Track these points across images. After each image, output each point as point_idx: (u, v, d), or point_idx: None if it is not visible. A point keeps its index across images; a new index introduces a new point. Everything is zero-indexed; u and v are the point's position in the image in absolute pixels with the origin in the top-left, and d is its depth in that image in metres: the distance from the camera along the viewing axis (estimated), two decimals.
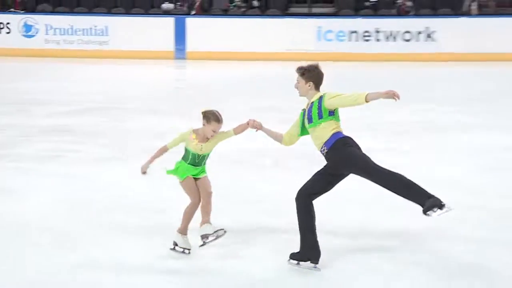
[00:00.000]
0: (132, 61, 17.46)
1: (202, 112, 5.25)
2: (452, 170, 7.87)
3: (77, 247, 5.47)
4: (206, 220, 5.21)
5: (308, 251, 4.99)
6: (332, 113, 5.08)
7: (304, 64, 5.26)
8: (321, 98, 5.12)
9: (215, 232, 5.13)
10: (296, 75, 5.24)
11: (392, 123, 10.64)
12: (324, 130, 5.08)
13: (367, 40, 18.29)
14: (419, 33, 18.09)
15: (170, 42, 18.38)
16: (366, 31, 18.24)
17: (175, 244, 5.33)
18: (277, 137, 5.45)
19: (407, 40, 18.13)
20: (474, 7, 18.42)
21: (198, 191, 5.26)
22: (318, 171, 5.13)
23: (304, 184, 5.08)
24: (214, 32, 18.25)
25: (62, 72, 16.26)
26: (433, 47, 18.02)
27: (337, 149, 5.01)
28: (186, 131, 5.22)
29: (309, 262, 4.97)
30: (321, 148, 5.09)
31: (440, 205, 4.68)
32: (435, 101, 12.53)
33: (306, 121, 5.23)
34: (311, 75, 5.17)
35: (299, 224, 5.03)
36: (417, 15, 18.70)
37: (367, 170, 4.94)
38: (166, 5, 19.13)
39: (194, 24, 18.50)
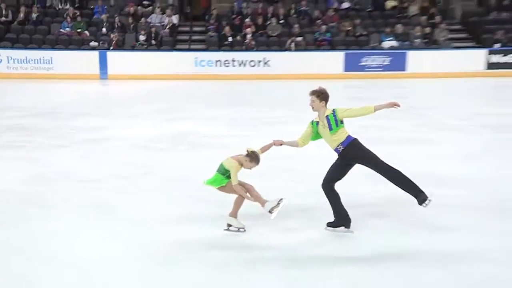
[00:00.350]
0: (69, 81, 17.02)
1: (249, 151, 4.69)
2: None
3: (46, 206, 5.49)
4: (263, 200, 4.65)
5: (341, 219, 4.73)
6: (342, 122, 4.79)
7: (316, 88, 4.92)
8: (334, 111, 4.81)
9: (277, 203, 4.60)
10: (311, 97, 4.87)
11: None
12: (341, 134, 4.77)
13: (227, 66, 18.42)
14: (259, 61, 18.38)
15: (96, 68, 18.01)
16: (226, 60, 18.39)
17: (229, 225, 4.74)
18: (294, 144, 5.02)
19: (252, 66, 18.43)
20: (292, 45, 18.87)
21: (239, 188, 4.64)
22: (333, 164, 4.83)
23: (325, 175, 4.80)
24: (126, 61, 18.14)
25: (19, 89, 15.80)
26: (268, 70, 18.34)
27: (353, 147, 4.74)
28: (235, 165, 4.61)
29: (343, 227, 4.74)
30: (338, 146, 4.76)
31: (427, 198, 4.51)
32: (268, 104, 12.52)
33: (324, 129, 4.81)
34: (324, 96, 4.86)
35: (330, 202, 4.76)
36: (258, 50, 18.95)
37: (376, 164, 4.70)
38: (93, 43, 18.79)
39: (113, 56, 18.22)
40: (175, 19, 20.05)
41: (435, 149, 7.83)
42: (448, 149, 7.81)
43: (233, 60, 18.37)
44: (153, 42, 18.85)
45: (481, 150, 7.73)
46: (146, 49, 18.69)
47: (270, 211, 4.58)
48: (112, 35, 18.58)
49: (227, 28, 19.14)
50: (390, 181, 4.69)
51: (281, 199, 4.63)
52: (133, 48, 18.79)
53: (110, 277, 3.95)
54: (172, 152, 7.89)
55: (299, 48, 18.85)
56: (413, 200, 4.57)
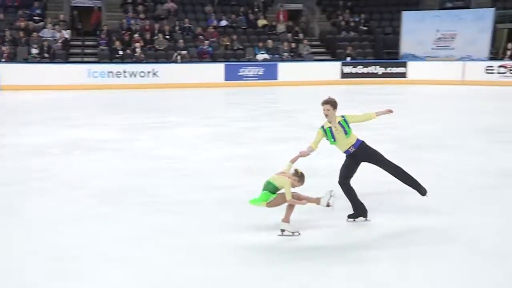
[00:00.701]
0: None
1: (299, 172, 4.54)
2: None
3: None
4: (315, 199, 4.51)
5: (360, 211, 4.74)
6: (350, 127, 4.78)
7: (327, 98, 4.88)
8: (344, 118, 4.82)
9: (330, 195, 4.50)
10: (325, 106, 4.82)
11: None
12: (352, 138, 4.77)
13: (118, 77, 17.81)
14: (149, 72, 17.98)
15: None
16: (118, 71, 17.78)
17: (283, 230, 4.40)
18: (310, 150, 4.88)
19: (142, 77, 17.94)
20: (178, 57, 18.70)
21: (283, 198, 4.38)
22: (344, 164, 4.81)
23: (340, 174, 4.78)
24: (19, 72, 16.80)
25: None
26: (157, 80, 17.98)
27: (363, 148, 4.76)
28: (288, 181, 4.40)
29: (361, 217, 4.74)
30: (349, 148, 4.75)
31: (426, 190, 4.72)
32: (157, 111, 12.39)
33: (339, 134, 4.77)
34: (336, 105, 4.84)
35: (348, 197, 4.75)
36: (147, 62, 18.52)
37: (382, 162, 4.75)
38: None
39: (5, 67, 16.83)
40: (66, 34, 18.93)
41: (302, 146, 8.13)
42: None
43: (124, 71, 17.80)
44: (46, 55, 17.65)
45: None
46: (39, 62, 17.44)
47: (328, 205, 4.47)
48: (3, 48, 17.09)
49: (117, 43, 18.49)
50: (394, 176, 4.79)
51: (330, 190, 4.54)
52: (26, 61, 17.44)
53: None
54: (67, 157, 7.44)
55: (184, 60, 18.70)
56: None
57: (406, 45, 20.77)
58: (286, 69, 19.22)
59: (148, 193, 5.60)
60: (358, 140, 4.82)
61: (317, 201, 4.52)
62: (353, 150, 4.77)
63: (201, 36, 20.01)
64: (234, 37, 20.35)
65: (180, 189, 5.76)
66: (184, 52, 18.93)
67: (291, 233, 4.40)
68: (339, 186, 4.76)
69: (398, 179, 4.79)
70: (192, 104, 14.15)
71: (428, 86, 18.16)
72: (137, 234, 4.44)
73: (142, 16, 20.34)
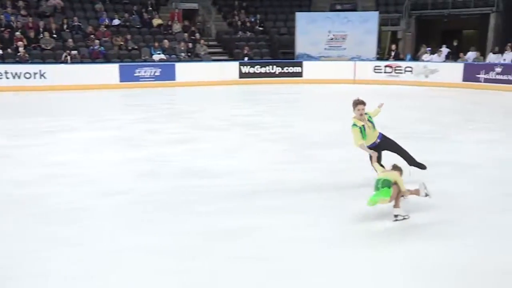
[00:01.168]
0: None
1: (396, 166, 5.05)
2: None
3: None
4: (414, 191, 5.01)
5: (416, 164, 5.79)
6: None
7: (361, 99, 5.54)
8: (368, 115, 5.59)
9: (424, 188, 5.05)
10: (362, 106, 5.48)
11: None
12: (376, 131, 5.64)
13: (0, 78, 16.55)
14: (35, 73, 16.96)
15: None
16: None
17: (396, 216, 4.83)
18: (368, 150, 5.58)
19: (28, 78, 16.87)
20: (68, 58, 17.84)
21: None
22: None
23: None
24: None
25: None
26: (45, 82, 17.00)
27: (385, 139, 5.68)
28: (399, 175, 4.92)
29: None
30: (375, 140, 5.60)
31: (425, 165, 5.79)
32: (48, 114, 11.94)
33: (370, 129, 5.54)
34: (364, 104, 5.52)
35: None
36: (33, 62, 17.46)
37: (398, 148, 5.72)
38: None
39: None
40: None
41: (202, 147, 8.26)
42: (212, 146, 8.30)
43: (6, 72, 16.58)
44: None
45: (238, 145, 8.39)
46: None
47: (426, 195, 5.02)
48: None
49: None
50: (403, 158, 5.76)
51: (422, 182, 5.08)
52: None
53: None
54: None
55: (75, 60, 17.89)
56: None
57: (301, 45, 21.72)
58: (184, 70, 19.18)
59: (40, 203, 5.38)
60: (380, 133, 5.69)
61: (416, 192, 5.06)
62: (378, 141, 5.62)
63: (92, 36, 19.28)
64: (128, 36, 19.87)
65: (75, 196, 5.61)
66: (74, 52, 18.10)
67: (402, 217, 4.84)
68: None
69: (405, 159, 5.75)
70: (85, 106, 13.65)
71: (323, 85, 19.17)
72: (31, 248, 4.27)
73: (23, 12, 19.10)
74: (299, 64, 20.79)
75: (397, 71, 19.72)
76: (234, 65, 20.17)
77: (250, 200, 5.55)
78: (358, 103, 5.50)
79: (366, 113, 5.55)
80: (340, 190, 5.91)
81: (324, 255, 4.18)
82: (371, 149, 5.61)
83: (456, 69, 18.57)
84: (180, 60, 19.74)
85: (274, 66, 20.53)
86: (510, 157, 7.06)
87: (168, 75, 18.90)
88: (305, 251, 4.25)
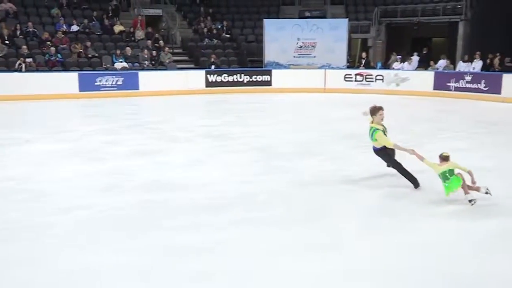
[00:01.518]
0: None
1: (442, 155, 5.89)
2: None
3: None
4: (476, 187, 5.70)
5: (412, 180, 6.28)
6: None
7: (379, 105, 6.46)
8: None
9: (486, 188, 5.73)
10: (383, 111, 6.46)
11: None
12: None
13: None
14: None
15: None
16: None
17: (471, 201, 5.56)
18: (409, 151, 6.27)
19: None
20: (23, 65, 17.48)
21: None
22: (387, 153, 6.52)
23: (389, 159, 6.55)
24: None
25: None
26: None
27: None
28: (455, 163, 5.82)
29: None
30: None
31: (419, 184, 6.21)
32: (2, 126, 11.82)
33: (387, 133, 6.36)
34: None
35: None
36: None
37: (391, 160, 6.42)
38: None
39: None
40: None
41: (166, 159, 8.22)
42: (178, 158, 8.27)
43: None
44: None
45: (205, 157, 8.38)
46: None
47: (487, 192, 5.72)
48: None
49: None
50: (397, 171, 6.41)
51: (485, 186, 5.75)
52: None
53: None
54: None
55: (30, 69, 17.54)
56: None
57: (269, 53, 21.93)
58: (148, 78, 19.06)
59: None
60: None
61: (477, 189, 5.74)
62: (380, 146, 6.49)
63: (48, 42, 18.97)
64: (88, 43, 19.64)
65: (30, 213, 5.50)
66: (29, 59, 17.77)
67: (474, 200, 5.57)
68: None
69: (399, 172, 6.44)
70: (42, 117, 13.39)
71: (293, 94, 19.38)
72: None
73: None
74: (268, 73, 20.96)
75: (368, 80, 20.12)
76: (200, 74, 20.17)
77: (217, 214, 5.56)
78: (379, 108, 6.39)
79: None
80: (310, 202, 5.98)
81: (291, 269, 4.22)
82: (381, 150, 6.42)
83: (427, 77, 19.09)
84: (143, 69, 19.62)
85: (242, 75, 20.62)
86: (483, 166, 7.28)
87: (131, 84, 18.74)
88: (272, 265, 4.28)
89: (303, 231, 5.07)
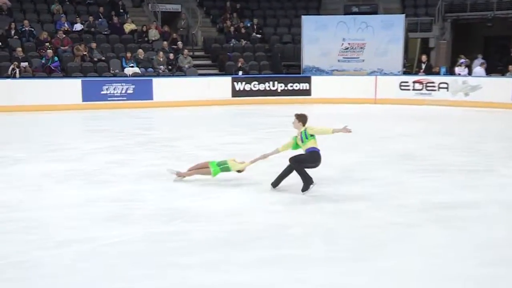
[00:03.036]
0: None
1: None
2: None
3: None
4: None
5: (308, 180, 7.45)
6: (312, 136, 7.54)
7: (297, 112, 7.81)
8: (305, 129, 7.56)
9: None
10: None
11: None
12: (307, 144, 7.55)
13: None
14: None
15: None
16: None
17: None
18: (275, 152, 8.05)
19: None
20: (17, 71, 17.97)
21: None
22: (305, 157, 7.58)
23: (299, 158, 7.61)
24: None
25: None
26: None
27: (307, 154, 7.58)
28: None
29: (312, 185, 7.44)
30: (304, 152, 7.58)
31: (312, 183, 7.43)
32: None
33: (299, 141, 7.62)
34: (302, 119, 7.71)
35: (299, 172, 7.50)
36: None
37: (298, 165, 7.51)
38: None
39: None
40: None
41: (183, 183, 8.28)
42: (195, 182, 8.31)
43: None
44: None
45: (230, 181, 8.40)
46: None
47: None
48: None
49: None
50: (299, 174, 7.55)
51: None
52: None
53: None
54: None
55: (25, 75, 18.09)
56: None
57: (308, 57, 22.03)
58: (163, 86, 19.37)
59: None
60: (309, 148, 7.55)
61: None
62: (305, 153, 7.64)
63: (47, 44, 19.50)
64: (93, 45, 20.13)
65: (20, 247, 5.57)
66: (24, 64, 18.28)
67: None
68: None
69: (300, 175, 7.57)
70: (36, 132, 13.70)
71: (336, 106, 19.34)
72: None
73: None
74: (307, 80, 21.04)
75: (429, 88, 19.95)
76: (225, 81, 20.39)
77: (241, 250, 5.55)
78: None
79: (305, 128, 7.60)
80: (355, 238, 5.91)
81: None
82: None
83: (504, 85, 18.78)
84: (158, 75, 19.95)
85: (276, 83, 20.77)
86: None
87: (143, 93, 19.08)
88: None
89: (348, 275, 5.01)
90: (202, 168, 8.34)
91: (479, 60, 20.38)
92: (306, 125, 7.66)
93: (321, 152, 7.59)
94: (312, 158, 7.52)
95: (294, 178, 7.62)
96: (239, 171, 8.29)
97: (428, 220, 6.51)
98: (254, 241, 5.79)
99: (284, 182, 7.84)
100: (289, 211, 6.93)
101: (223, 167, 8.21)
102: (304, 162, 7.57)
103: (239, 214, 6.78)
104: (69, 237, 5.86)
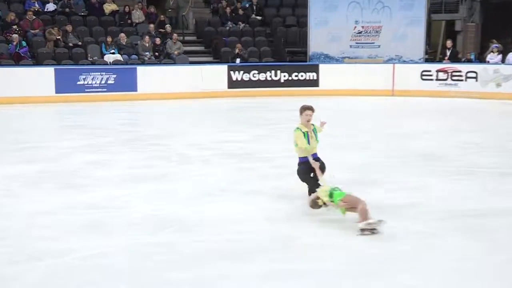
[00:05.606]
0: None
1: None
2: None
3: None
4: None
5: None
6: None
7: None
8: (314, 127, 7.46)
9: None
10: (311, 111, 7.36)
11: None
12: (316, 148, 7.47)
13: None
14: None
15: None
16: None
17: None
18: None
19: None
20: None
21: None
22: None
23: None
24: None
25: None
26: None
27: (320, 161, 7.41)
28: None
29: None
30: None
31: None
32: None
33: (312, 140, 7.33)
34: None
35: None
36: None
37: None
38: None
39: None
40: None
41: (172, 187, 8.27)
42: (186, 186, 8.30)
43: None
44: None
45: (227, 184, 8.39)
46: None
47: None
48: None
49: None
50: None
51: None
52: None
53: None
54: None
55: None
56: None
57: (316, 42, 22.01)
58: (149, 76, 19.34)
59: None
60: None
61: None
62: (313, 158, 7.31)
63: (15, 26, 19.47)
64: (69, 28, 20.10)
65: None
66: None
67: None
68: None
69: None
70: (3, 129, 13.72)
71: (348, 98, 19.31)
72: None
73: None
74: (314, 69, 21.01)
75: (455, 78, 19.92)
76: (221, 70, 20.35)
77: (241, 264, 5.54)
78: (306, 108, 7.37)
79: (312, 124, 7.38)
80: (373, 251, 5.91)
81: None
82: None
83: None
84: (143, 63, 19.93)
85: (279, 72, 20.73)
86: None
87: (126, 83, 19.05)
88: None
89: None
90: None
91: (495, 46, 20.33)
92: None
93: (327, 151, 7.70)
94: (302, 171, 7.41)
95: (300, 182, 7.60)
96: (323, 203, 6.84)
97: (454, 230, 6.50)
98: (256, 255, 5.78)
99: (288, 186, 7.84)
100: (296, 220, 6.89)
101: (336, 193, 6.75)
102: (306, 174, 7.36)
103: (239, 222, 6.75)
104: (41, 250, 5.84)
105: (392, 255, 5.79)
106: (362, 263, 5.56)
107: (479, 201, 7.61)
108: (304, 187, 7.44)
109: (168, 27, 21.69)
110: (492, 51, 20.22)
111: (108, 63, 19.48)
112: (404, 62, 21.22)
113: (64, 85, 18.37)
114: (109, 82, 18.88)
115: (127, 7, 22.22)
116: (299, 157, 7.37)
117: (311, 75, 20.91)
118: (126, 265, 5.49)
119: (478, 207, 7.28)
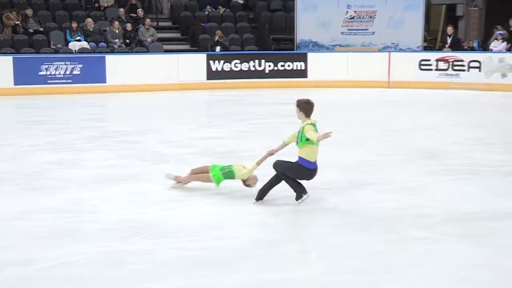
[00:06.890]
0: None
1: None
2: None
3: None
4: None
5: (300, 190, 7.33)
6: (308, 140, 7.22)
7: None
8: (305, 126, 7.29)
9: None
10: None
11: None
12: (301, 150, 7.37)
13: None
14: None
15: None
16: None
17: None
18: (282, 146, 7.71)
19: None
20: None
21: None
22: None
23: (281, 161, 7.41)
24: None
25: None
26: None
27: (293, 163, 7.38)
28: None
29: (304, 194, 7.29)
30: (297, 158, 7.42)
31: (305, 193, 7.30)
32: None
33: (297, 138, 7.39)
34: (302, 107, 7.46)
35: (286, 182, 7.37)
36: None
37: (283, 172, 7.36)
38: None
39: None
40: None
41: (146, 188, 8.27)
42: (161, 187, 8.32)
43: None
44: None
45: (205, 186, 8.38)
46: None
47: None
48: None
49: None
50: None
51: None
52: None
53: None
54: None
55: None
56: None
57: (304, 29, 22.05)
58: (120, 66, 19.30)
59: None
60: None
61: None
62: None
63: None
64: (29, 12, 20.01)
65: None
66: None
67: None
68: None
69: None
70: None
71: (339, 91, 19.38)
72: None
73: None
74: (302, 58, 21.07)
75: (456, 68, 20.07)
76: (199, 59, 20.35)
77: (224, 272, 5.57)
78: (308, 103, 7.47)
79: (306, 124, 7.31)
80: (365, 256, 5.95)
81: None
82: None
83: None
84: (113, 51, 19.88)
85: (263, 61, 20.77)
86: None
87: (94, 74, 19.00)
88: None
89: None
90: (202, 173, 8.05)
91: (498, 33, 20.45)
92: (311, 118, 7.38)
93: (320, 149, 7.54)
94: (296, 172, 7.36)
95: (284, 183, 7.62)
96: (245, 183, 7.86)
97: (455, 234, 6.56)
98: (238, 262, 5.80)
99: (273, 189, 7.87)
100: (281, 224, 6.94)
101: (227, 171, 7.84)
102: (289, 171, 7.36)
103: (219, 227, 6.78)
104: (1, 259, 5.83)
105: (385, 263, 5.83)
106: (352, 273, 5.59)
107: (483, 203, 7.67)
108: (287, 188, 7.48)
109: (140, 12, 21.65)
110: (496, 39, 20.33)
111: (74, 51, 19.41)
112: (401, 50, 21.34)
113: (24, 76, 18.29)
114: (74, 72, 18.82)
115: None
116: (306, 160, 7.28)
117: (298, 65, 20.96)
118: (96, 275, 5.50)
119: (482, 209, 7.34)
